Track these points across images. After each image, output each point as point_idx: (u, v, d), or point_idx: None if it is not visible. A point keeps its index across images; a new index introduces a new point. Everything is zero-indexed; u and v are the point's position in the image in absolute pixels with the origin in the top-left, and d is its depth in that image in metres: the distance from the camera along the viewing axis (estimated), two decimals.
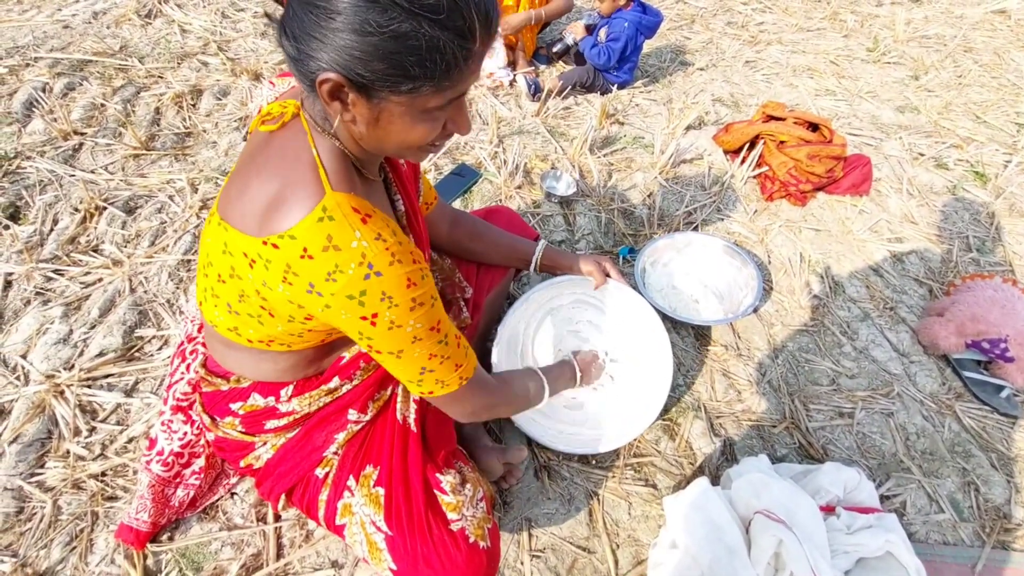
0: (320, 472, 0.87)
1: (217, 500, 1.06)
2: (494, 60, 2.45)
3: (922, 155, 2.42)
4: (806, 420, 1.36)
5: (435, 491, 0.84)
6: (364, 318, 0.63)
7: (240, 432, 0.87)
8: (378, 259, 0.60)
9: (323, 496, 0.86)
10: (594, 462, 1.22)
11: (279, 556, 1.01)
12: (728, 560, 0.92)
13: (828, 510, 1.09)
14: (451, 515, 0.81)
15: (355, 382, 0.86)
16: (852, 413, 1.38)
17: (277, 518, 1.05)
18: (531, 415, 1.20)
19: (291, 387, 0.83)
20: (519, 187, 1.89)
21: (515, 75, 2.43)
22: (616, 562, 1.07)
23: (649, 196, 1.97)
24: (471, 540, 0.79)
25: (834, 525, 1.06)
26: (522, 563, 1.05)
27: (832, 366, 1.50)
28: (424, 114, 0.61)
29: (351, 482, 0.85)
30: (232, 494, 1.08)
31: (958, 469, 1.30)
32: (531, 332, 1.29)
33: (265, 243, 0.60)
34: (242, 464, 0.90)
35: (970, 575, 1.13)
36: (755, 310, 1.62)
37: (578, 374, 1.14)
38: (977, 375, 1.49)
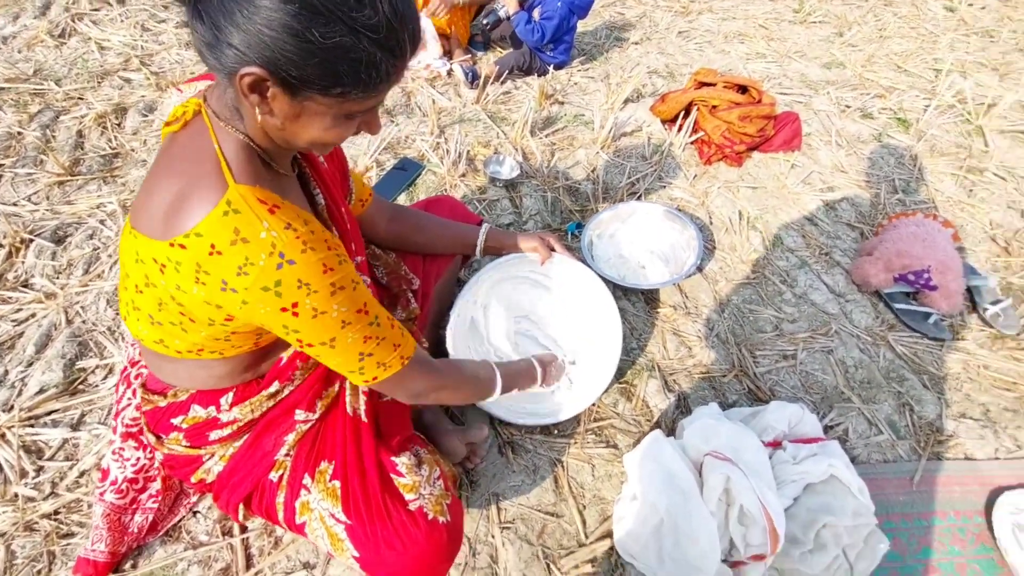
0: (274, 476, 0.87)
1: (179, 521, 1.06)
2: (429, 52, 2.44)
3: (848, 107, 2.53)
4: (753, 366, 1.43)
5: (391, 475, 0.85)
6: (284, 309, 0.63)
7: (186, 447, 0.87)
8: (289, 248, 0.60)
9: (280, 499, 0.86)
10: (556, 432, 1.26)
11: (248, 566, 1.01)
12: (683, 503, 0.97)
13: (775, 445, 1.16)
14: (408, 496, 0.83)
15: (297, 382, 0.86)
16: (795, 354, 1.46)
17: (243, 529, 1.06)
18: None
19: (231, 394, 0.83)
20: (463, 175, 1.90)
21: (452, 64, 2.43)
22: (584, 522, 1.12)
23: (593, 171, 2.01)
24: (430, 517, 0.81)
25: (781, 458, 1.13)
26: (493, 536, 1.08)
27: (774, 313, 1.57)
28: (345, 117, 0.63)
29: (307, 480, 0.86)
30: (194, 512, 1.07)
31: (894, 393, 1.40)
32: (483, 314, 1.31)
33: (172, 245, 0.60)
34: (194, 480, 0.90)
35: (909, 486, 1.22)
36: (700, 269, 1.68)
37: (539, 374, 1.11)
38: (906, 306, 1.59)
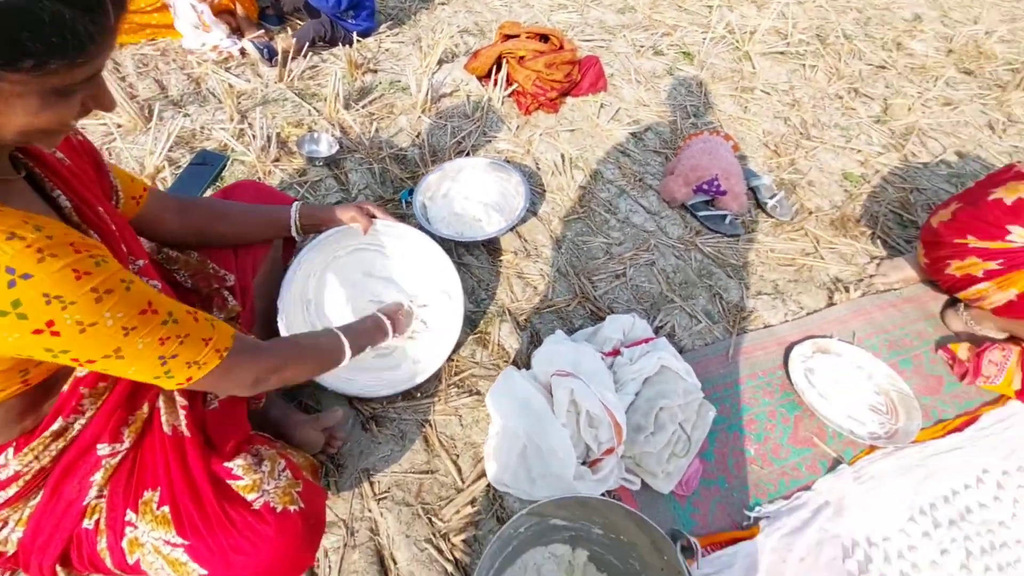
0: (88, 523, 0.77)
1: None
2: (214, 33, 2.19)
3: (643, 47, 2.78)
4: (592, 291, 1.56)
5: (228, 481, 0.80)
6: (39, 331, 0.54)
7: None
8: (18, 260, 0.52)
9: (102, 544, 0.76)
10: (419, 395, 1.26)
11: None
12: (538, 423, 1.04)
13: (614, 353, 1.28)
14: (250, 496, 0.78)
15: (89, 413, 0.76)
16: (624, 272, 1.61)
17: None
18: (345, 375, 1.19)
19: (10, 449, 0.71)
20: (276, 160, 1.76)
21: (243, 42, 2.21)
22: (459, 470, 1.15)
23: (417, 136, 1.99)
24: (279, 509, 0.77)
25: (620, 362, 1.26)
26: (370, 510, 1.07)
27: (604, 240, 1.72)
28: (56, 94, 0.53)
29: (130, 516, 0.77)
30: None
31: (706, 287, 1.62)
32: (315, 294, 1.25)
33: None
34: None
35: (726, 360, 1.44)
36: (534, 214, 1.77)
37: (388, 325, 1.10)
38: (706, 212, 1.83)
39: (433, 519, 1.07)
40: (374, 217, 1.22)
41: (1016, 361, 1.45)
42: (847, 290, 1.69)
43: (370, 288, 1.32)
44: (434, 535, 1.04)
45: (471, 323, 1.44)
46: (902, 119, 2.58)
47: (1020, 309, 1.39)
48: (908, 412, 1.39)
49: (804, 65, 2.86)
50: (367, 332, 1.05)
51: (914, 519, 1.21)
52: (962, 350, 1.53)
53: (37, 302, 0.53)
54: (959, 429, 1.39)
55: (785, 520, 1.16)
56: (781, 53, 2.93)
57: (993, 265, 1.38)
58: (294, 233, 1.15)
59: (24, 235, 0.53)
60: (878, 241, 1.91)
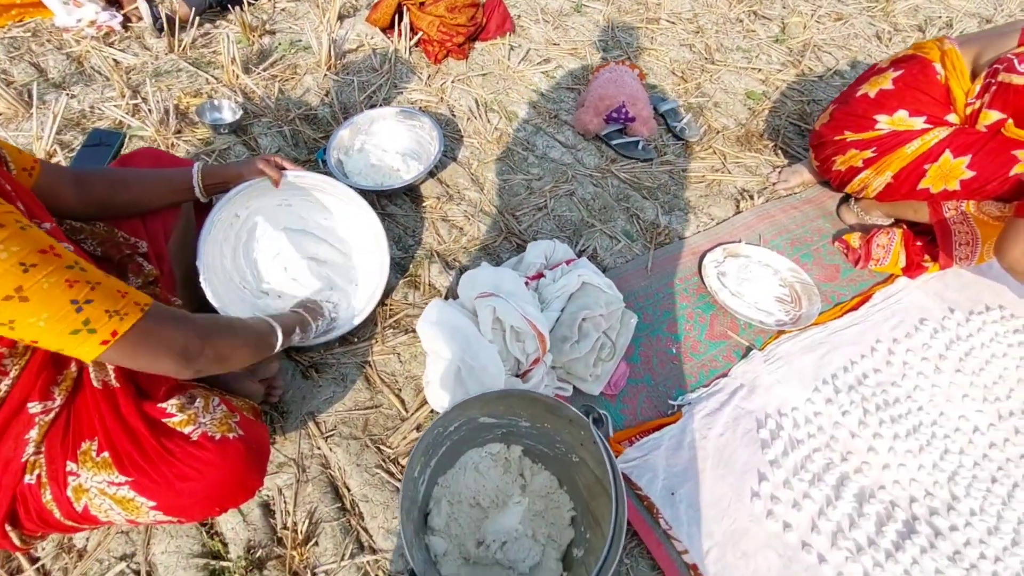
0: (31, 478, 0.78)
1: None
2: (87, 7, 2.02)
3: None
4: (517, 225, 1.61)
5: (163, 420, 0.82)
6: None
7: None
8: None
9: (47, 497, 0.78)
10: (356, 340, 1.29)
11: None
12: (468, 344, 1.10)
13: (538, 277, 1.35)
14: (187, 429, 0.81)
15: (13, 373, 0.75)
16: (546, 204, 1.67)
17: (32, 560, 0.93)
18: None
19: None
20: (178, 132, 1.69)
21: (125, 11, 2.05)
22: (402, 401, 1.21)
23: (326, 95, 1.94)
24: (217, 437, 0.81)
25: (544, 283, 1.32)
26: (319, 448, 1.11)
27: (524, 177, 1.76)
28: None
29: (71, 466, 0.78)
30: None
31: (623, 210, 1.70)
32: (239, 254, 1.24)
33: None
34: None
35: (645, 274, 1.54)
36: (454, 159, 1.79)
37: (309, 318, 1.11)
38: (620, 140, 1.90)
39: (381, 447, 1.12)
40: (283, 169, 1.21)
41: (899, 242, 1.62)
42: (752, 198, 1.81)
43: (295, 242, 1.31)
44: (384, 461, 1.10)
45: (401, 268, 1.47)
46: (799, 37, 2.71)
47: (897, 189, 1.55)
48: (809, 298, 1.54)
49: None
50: (294, 320, 1.05)
51: (818, 389, 1.36)
52: (854, 239, 1.69)
53: None
54: (855, 308, 1.56)
55: (705, 404, 1.28)
56: None
57: (868, 153, 1.52)
58: (198, 194, 1.12)
59: None
60: (779, 152, 2.04)
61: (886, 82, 1.51)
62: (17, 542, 0.85)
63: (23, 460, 0.78)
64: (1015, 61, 1.28)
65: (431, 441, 0.87)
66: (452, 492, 0.96)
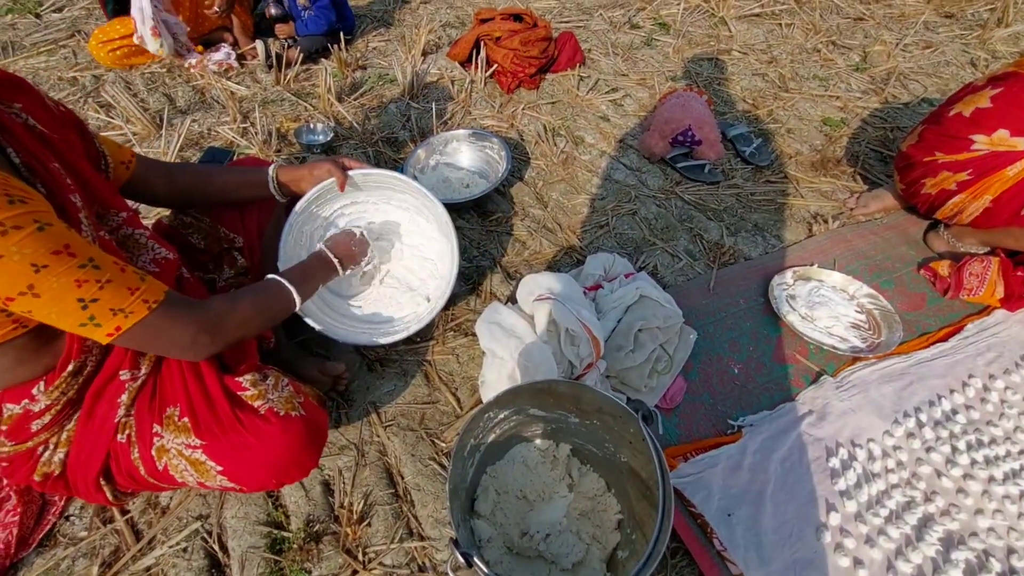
0: (122, 437, 0.87)
1: (52, 530, 1.02)
2: (218, 53, 2.35)
3: (619, 23, 2.88)
4: (578, 241, 1.64)
5: (238, 393, 0.89)
6: None
7: (12, 447, 0.84)
8: None
9: (135, 455, 0.87)
10: (418, 340, 1.36)
11: (138, 539, 1.01)
12: (521, 345, 1.13)
13: (596, 288, 1.37)
14: (257, 403, 0.88)
15: (97, 351, 0.85)
16: (607, 222, 1.70)
17: (123, 511, 1.04)
18: (347, 325, 1.29)
19: (41, 383, 0.81)
20: (278, 151, 1.90)
21: (243, 50, 2.36)
22: (458, 400, 1.25)
23: (407, 121, 2.11)
24: (282, 413, 0.87)
25: (602, 295, 1.34)
26: (378, 435, 1.17)
27: (587, 197, 1.80)
28: None
29: (156, 428, 0.87)
30: (66, 518, 1.04)
31: (687, 230, 1.69)
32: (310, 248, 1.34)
33: None
34: (38, 478, 0.87)
35: (708, 292, 1.51)
36: (521, 179, 1.87)
37: (333, 259, 1.10)
38: (686, 163, 1.90)
39: (435, 441, 1.16)
40: (349, 169, 1.24)
41: (996, 271, 1.49)
42: (826, 222, 1.74)
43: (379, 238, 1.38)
44: (437, 454, 1.14)
45: (464, 277, 1.54)
46: (882, 65, 2.61)
47: (997, 215, 1.44)
48: (890, 326, 1.44)
49: (780, 24, 2.92)
50: (311, 271, 1.05)
51: (898, 421, 1.26)
52: (943, 267, 1.57)
53: None
54: (943, 340, 1.44)
55: (768, 426, 1.22)
56: (756, 15, 2.99)
57: (963, 176, 1.43)
58: (272, 190, 1.18)
59: None
60: (858, 178, 1.96)
61: (983, 100, 1.42)
62: (110, 496, 0.94)
63: (115, 420, 0.88)
64: None
65: (481, 425, 0.89)
66: (500, 482, 0.97)
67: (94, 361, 0.85)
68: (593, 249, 1.62)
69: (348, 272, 1.15)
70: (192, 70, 2.28)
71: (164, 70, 2.30)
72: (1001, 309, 1.49)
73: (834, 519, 1.07)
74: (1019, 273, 1.47)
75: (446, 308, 1.43)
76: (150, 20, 2.12)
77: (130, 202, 0.97)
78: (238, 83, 2.25)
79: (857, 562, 1.02)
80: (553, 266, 1.58)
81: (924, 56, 2.71)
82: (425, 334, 1.38)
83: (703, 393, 1.29)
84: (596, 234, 1.67)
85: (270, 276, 0.99)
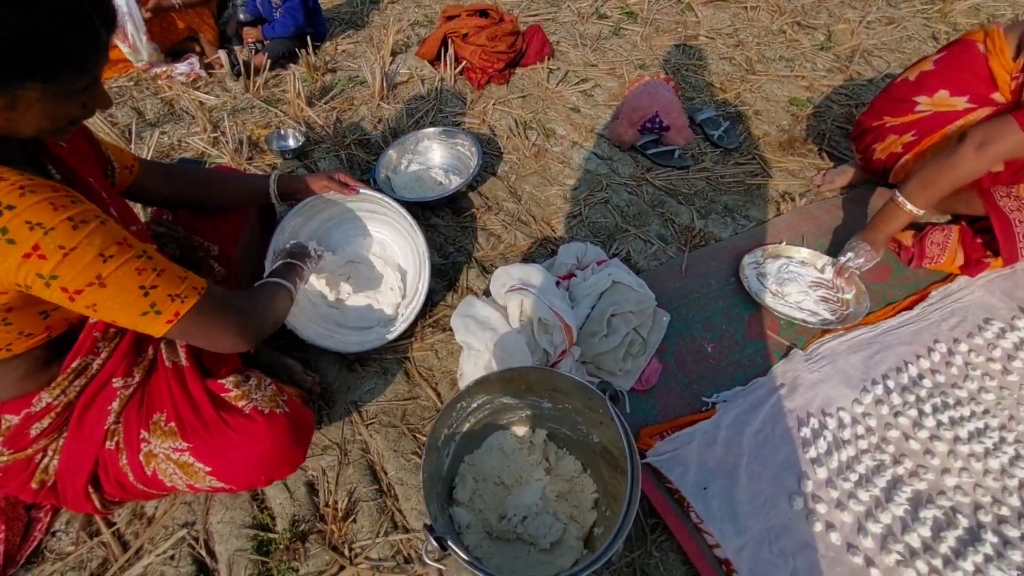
0: (110, 444, 0.89)
1: (39, 546, 1.02)
2: (182, 64, 2.34)
3: (587, 14, 2.89)
4: (552, 232, 1.67)
5: (221, 395, 0.92)
6: (28, 255, 0.65)
7: (11, 455, 0.86)
8: (2, 195, 0.63)
9: (123, 461, 0.89)
10: (397, 338, 1.38)
11: (125, 550, 1.02)
12: (496, 336, 1.15)
13: (569, 277, 1.39)
14: (241, 403, 0.90)
15: (104, 355, 0.88)
16: (581, 212, 1.72)
17: (109, 523, 1.05)
18: (328, 331, 1.31)
19: (44, 391, 0.83)
20: (249, 158, 1.90)
21: (208, 60, 2.35)
22: (438, 395, 1.27)
23: (379, 122, 2.11)
24: (266, 411, 0.89)
25: (575, 283, 1.36)
26: (360, 434, 1.19)
27: (559, 188, 1.83)
28: (63, 97, 0.67)
29: (143, 434, 0.89)
30: (52, 533, 1.05)
31: (658, 215, 1.72)
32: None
33: None
34: (35, 485, 0.89)
35: (680, 275, 1.54)
36: (494, 174, 1.88)
37: (299, 263, 1.14)
38: (656, 149, 1.93)
39: (417, 435, 1.18)
40: (346, 184, 1.29)
41: (956, 239, 1.54)
42: (793, 200, 1.78)
43: (352, 249, 1.42)
44: (419, 448, 1.16)
45: (441, 273, 1.55)
46: (846, 43, 2.66)
47: None
48: (856, 297, 1.48)
49: (746, 8, 2.95)
50: (291, 273, 1.09)
51: (867, 389, 1.29)
52: (907, 237, 1.61)
53: (22, 229, 0.64)
54: (909, 308, 1.48)
55: (741, 401, 1.26)
56: (723, 0, 3.02)
57: (908, 137, 1.48)
58: (273, 199, 1.24)
59: (7, 177, 0.65)
60: (824, 155, 2.00)
61: (927, 64, 1.47)
62: (98, 505, 0.96)
63: (105, 428, 0.89)
64: None
65: (454, 415, 0.92)
66: (478, 470, 1.00)
67: (98, 364, 0.87)
68: (567, 239, 1.65)
69: (313, 271, 1.18)
70: (159, 81, 2.27)
71: (132, 83, 2.29)
72: (963, 276, 1.53)
73: (806, 486, 1.10)
74: (978, 240, 1.52)
75: (424, 306, 1.44)
76: (143, 25, 2.14)
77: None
78: (207, 93, 2.24)
79: (829, 525, 1.05)
80: (528, 258, 1.60)
81: (887, 32, 2.76)
82: (403, 332, 1.39)
83: (678, 373, 1.32)
84: (570, 224, 1.70)
85: (270, 279, 1.03)
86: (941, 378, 1.32)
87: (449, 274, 1.56)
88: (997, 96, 1.36)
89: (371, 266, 1.41)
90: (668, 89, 2.00)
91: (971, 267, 1.51)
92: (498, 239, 1.66)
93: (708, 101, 2.25)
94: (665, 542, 1.04)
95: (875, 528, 1.05)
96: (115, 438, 0.90)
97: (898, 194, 1.37)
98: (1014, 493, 1.11)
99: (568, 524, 0.93)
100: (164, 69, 2.28)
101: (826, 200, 1.79)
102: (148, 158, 1.81)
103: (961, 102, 1.38)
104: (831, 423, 1.23)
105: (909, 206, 1.35)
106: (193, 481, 0.89)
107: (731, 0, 3.01)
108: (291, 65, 2.45)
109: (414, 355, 1.34)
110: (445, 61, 2.28)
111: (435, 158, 1.84)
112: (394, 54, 2.48)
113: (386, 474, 1.12)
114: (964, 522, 1.06)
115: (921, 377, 1.33)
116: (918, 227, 1.66)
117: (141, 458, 0.89)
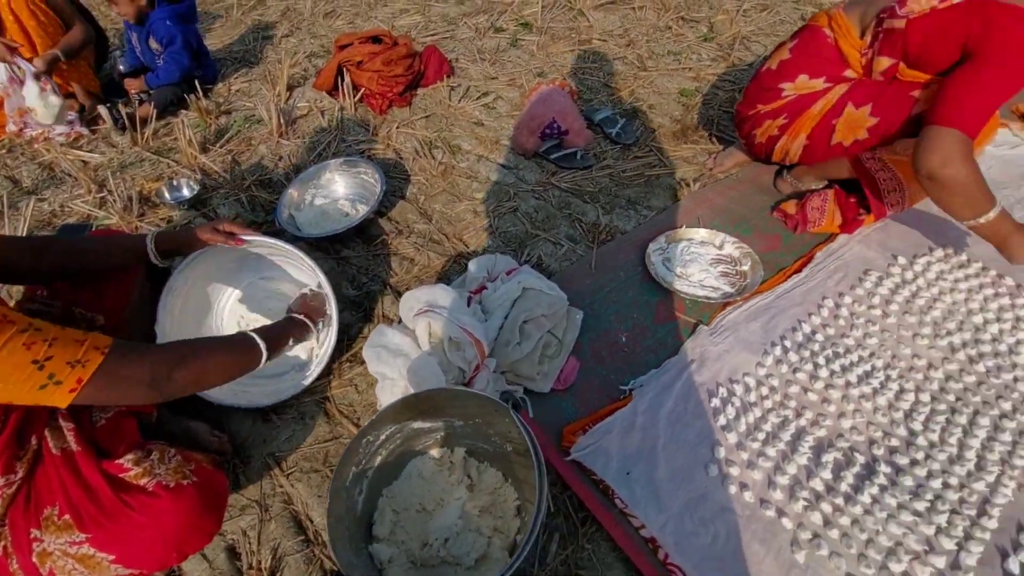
0: None
1: None
2: (60, 120, 2.21)
3: (484, 28, 2.95)
4: (465, 248, 1.69)
5: (120, 476, 0.86)
6: None
7: None
8: None
9: (14, 566, 0.82)
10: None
11: None
12: (407, 361, 1.16)
13: (480, 290, 1.41)
14: (143, 481, 0.85)
15: None
16: (491, 223, 1.75)
17: None
18: (239, 387, 1.26)
19: None
20: (141, 215, 1.82)
21: (90, 116, 2.24)
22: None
23: (280, 159, 2.07)
24: (172, 485, 0.85)
25: (486, 295, 1.38)
26: (281, 486, 1.16)
27: (469, 203, 1.85)
28: None
29: (35, 533, 0.83)
30: None
31: (566, 216, 1.78)
32: (196, 317, 1.33)
33: None
34: None
35: (590, 272, 1.59)
36: (403, 198, 1.89)
37: (303, 318, 1.15)
38: (558, 153, 1.99)
39: None
40: (233, 233, 1.23)
41: (832, 201, 1.67)
42: (689, 186, 1.88)
43: (251, 302, 1.39)
44: None
45: (356, 305, 1.54)
46: (726, 32, 2.83)
47: (815, 149, 1.61)
48: (752, 268, 1.58)
49: (634, 8, 3.09)
50: (283, 330, 1.09)
51: (767, 352, 1.38)
52: (791, 206, 1.73)
53: None
54: (799, 271, 1.59)
55: (655, 384, 1.31)
56: (611, 2, 3.16)
57: (781, 120, 1.60)
58: (152, 258, 1.16)
59: None
60: (715, 140, 2.12)
61: (784, 53, 1.60)
62: None
63: None
64: (896, 7, 1.36)
65: (360, 451, 0.91)
66: (397, 501, 0.99)
67: None
68: (480, 252, 1.67)
69: (320, 326, 1.18)
70: (36, 145, 2.14)
71: (4, 151, 2.14)
72: (842, 234, 1.67)
73: (719, 453, 1.16)
74: (851, 200, 1.66)
75: (340, 342, 1.42)
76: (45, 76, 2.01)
77: None
78: (90, 151, 2.13)
79: (743, 486, 1.11)
80: (443, 276, 1.61)
81: (762, 18, 2.97)
82: (321, 372, 1.37)
83: (596, 367, 1.37)
84: (481, 237, 1.72)
85: (241, 332, 1.00)
86: (831, 331, 1.43)
87: (364, 304, 1.55)
88: (849, 73, 1.51)
89: (275, 312, 1.39)
90: (563, 94, 2.07)
91: (848, 225, 1.64)
92: (411, 262, 1.66)
93: (605, 101, 2.34)
94: (596, 533, 1.07)
95: (783, 480, 1.12)
96: (2, 542, 0.84)
97: (974, 220, 1.34)
98: (900, 424, 1.21)
99: (492, 537, 0.94)
100: (40, 131, 2.15)
101: (718, 182, 1.90)
102: (25, 229, 1.71)
103: (819, 83, 1.52)
104: (738, 389, 1.30)
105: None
106: (97, 574, 0.84)
107: (620, 2, 3.15)
108: (181, 112, 2.37)
109: (333, 393, 1.33)
110: (343, 91, 2.27)
111: (339, 189, 1.83)
112: (291, 88, 2.45)
113: (311, 522, 1.10)
114: (861, 459, 1.15)
115: (814, 333, 1.43)
116: (800, 196, 1.79)
117: (35, 559, 0.83)
